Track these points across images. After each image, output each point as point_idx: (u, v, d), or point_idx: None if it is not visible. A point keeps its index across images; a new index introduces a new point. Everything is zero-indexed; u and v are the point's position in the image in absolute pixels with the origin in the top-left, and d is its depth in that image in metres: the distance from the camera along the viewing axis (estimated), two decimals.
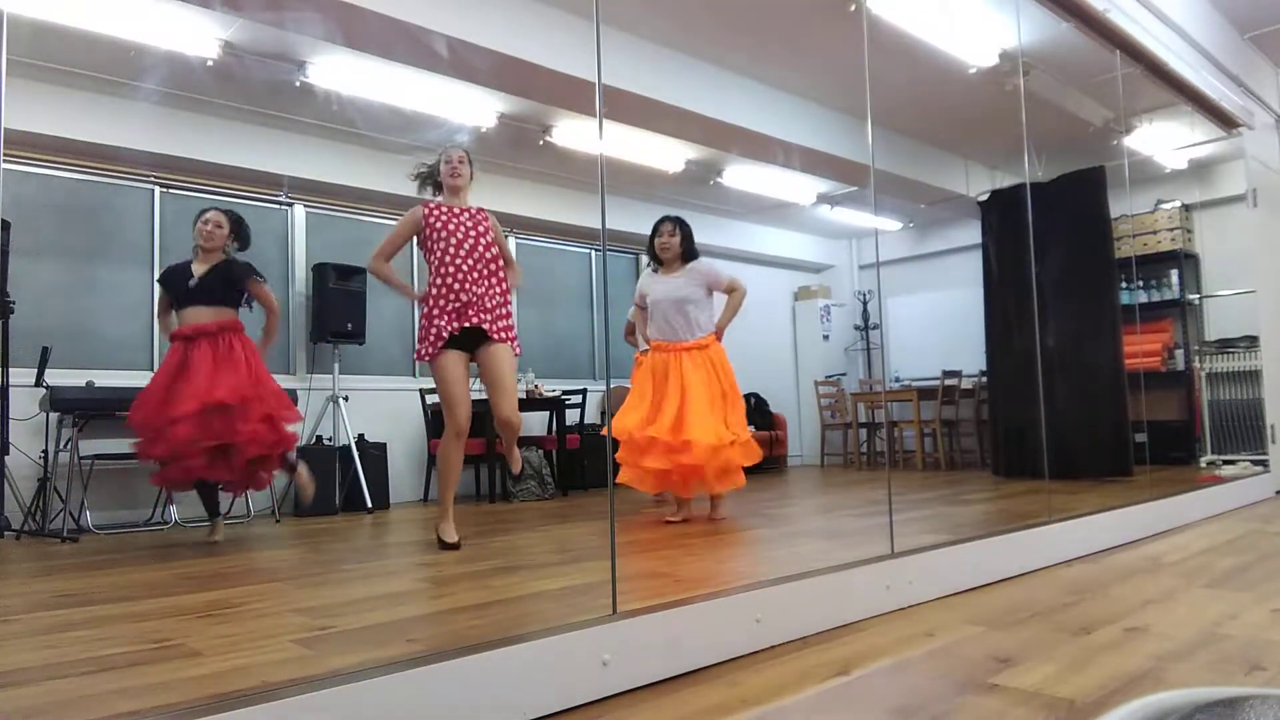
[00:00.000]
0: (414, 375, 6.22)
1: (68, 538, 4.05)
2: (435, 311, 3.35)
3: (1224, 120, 5.35)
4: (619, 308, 4.28)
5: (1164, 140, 6.12)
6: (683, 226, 4.29)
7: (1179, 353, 6.94)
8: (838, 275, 9.48)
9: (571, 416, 6.41)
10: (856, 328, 9.21)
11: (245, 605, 2.37)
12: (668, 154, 6.10)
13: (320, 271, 5.52)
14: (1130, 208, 6.82)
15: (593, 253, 7.26)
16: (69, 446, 4.40)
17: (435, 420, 5.86)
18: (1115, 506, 3.55)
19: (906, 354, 8.87)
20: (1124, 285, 6.38)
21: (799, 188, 7.12)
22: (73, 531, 4.23)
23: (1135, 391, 5.83)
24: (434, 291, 3.36)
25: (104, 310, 4.95)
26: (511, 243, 3.64)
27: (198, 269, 3.82)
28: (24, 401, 4.39)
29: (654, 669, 1.74)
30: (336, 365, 5.56)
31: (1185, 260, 6.99)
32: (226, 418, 3.54)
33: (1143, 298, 7.04)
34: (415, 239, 3.46)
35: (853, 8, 3.93)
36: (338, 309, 5.49)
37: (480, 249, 3.39)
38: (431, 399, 5.90)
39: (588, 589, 2.40)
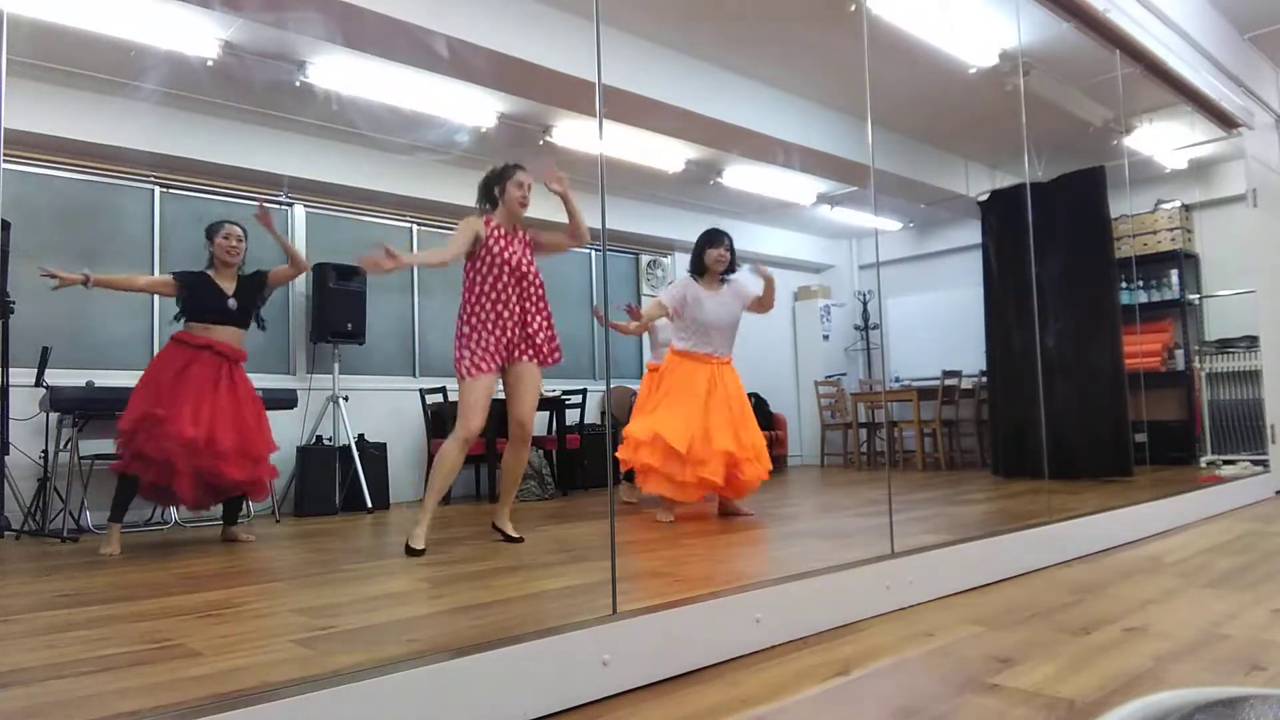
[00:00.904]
0: (414, 375, 6.22)
1: (68, 538, 4.05)
2: (482, 334, 3.34)
3: (1224, 120, 5.35)
4: (618, 316, 4.28)
5: (1164, 140, 6.12)
6: (732, 243, 4.31)
7: (1179, 353, 6.94)
8: (838, 275, 9.49)
9: (572, 416, 6.42)
10: (856, 328, 9.21)
11: (245, 605, 2.37)
12: (668, 154, 6.10)
13: (320, 271, 5.52)
14: (1130, 208, 6.82)
15: (593, 253, 7.26)
16: (69, 446, 4.40)
17: (435, 420, 5.87)
18: (1115, 506, 3.55)
19: (906, 354, 8.87)
20: (1124, 285, 6.39)
21: (799, 188, 7.12)
22: (73, 531, 4.23)
23: (1135, 391, 5.83)
24: (481, 313, 3.35)
25: (104, 310, 4.95)
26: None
27: (225, 285, 3.83)
28: (24, 401, 4.39)
29: (654, 669, 1.74)
30: (336, 365, 5.56)
31: (1185, 260, 6.99)
32: (217, 457, 3.57)
33: (1143, 298, 7.04)
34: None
35: (853, 8, 3.93)
36: (338, 309, 5.49)
37: (530, 276, 3.44)
38: (432, 399, 5.90)
39: (588, 589, 2.40)
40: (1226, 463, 6.11)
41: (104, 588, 2.74)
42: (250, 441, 3.69)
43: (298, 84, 4.57)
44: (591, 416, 6.76)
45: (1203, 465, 6.40)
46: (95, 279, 3.52)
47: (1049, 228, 5.62)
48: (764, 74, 5.35)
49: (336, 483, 5.26)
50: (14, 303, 4.02)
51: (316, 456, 5.22)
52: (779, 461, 8.10)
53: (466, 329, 3.36)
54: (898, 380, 8.77)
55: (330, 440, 5.46)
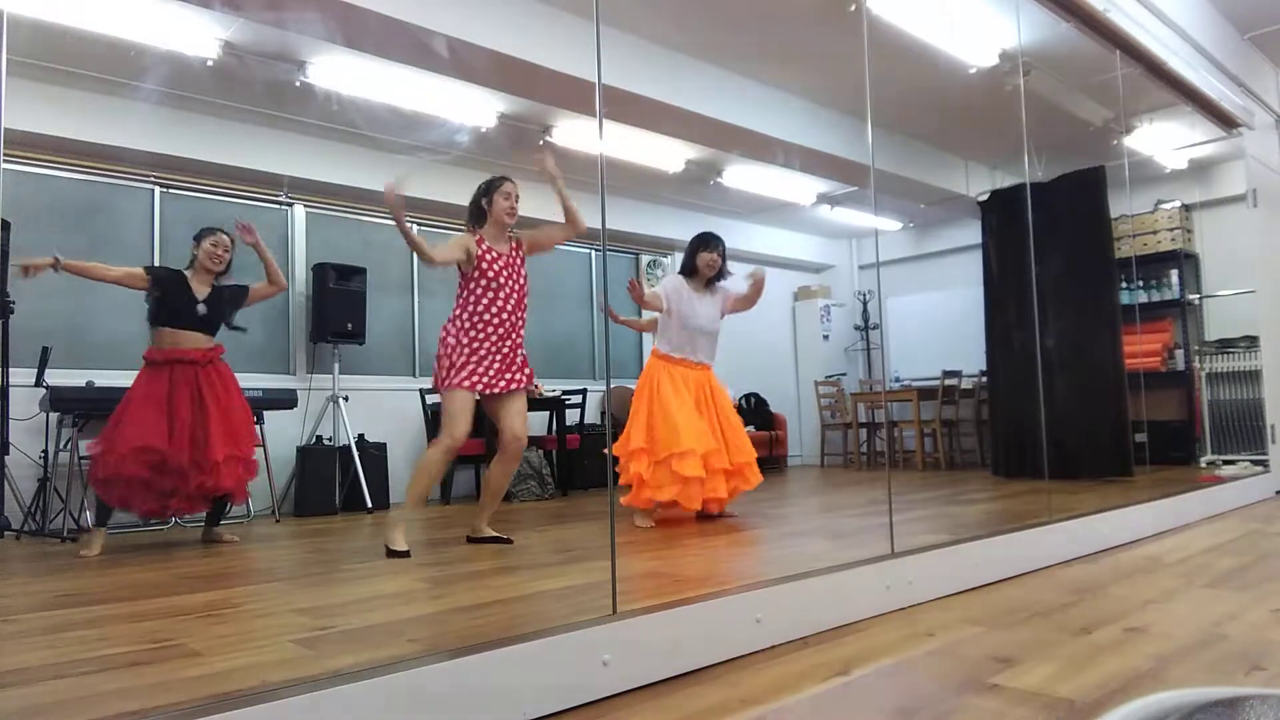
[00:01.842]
0: (414, 375, 6.22)
1: (68, 538, 4.05)
2: (468, 352, 3.36)
3: (1224, 120, 5.35)
4: (619, 307, 4.27)
5: (1164, 140, 6.12)
6: (725, 251, 4.29)
7: (1179, 353, 6.94)
8: (838, 275, 9.49)
9: (571, 416, 6.42)
10: (856, 328, 9.21)
11: (245, 605, 2.37)
12: (668, 154, 6.10)
13: (320, 271, 5.52)
14: (1130, 208, 6.82)
15: (593, 253, 7.26)
16: (69, 446, 4.40)
17: (435, 420, 5.86)
18: (1115, 506, 3.55)
19: (906, 354, 8.87)
20: (1124, 285, 6.39)
21: (799, 188, 7.12)
22: (73, 531, 4.23)
23: (1135, 391, 5.83)
24: (468, 329, 3.38)
25: (104, 310, 4.95)
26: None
27: (199, 289, 3.80)
28: (24, 401, 4.39)
29: (654, 669, 1.74)
30: (336, 365, 5.56)
31: (1185, 260, 6.99)
32: (184, 473, 3.57)
33: (1143, 298, 7.04)
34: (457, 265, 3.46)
35: (853, 8, 3.93)
36: (338, 309, 5.49)
37: (518, 294, 3.47)
38: (432, 399, 5.90)
39: (588, 589, 2.40)
40: (1226, 463, 6.11)
41: (104, 588, 2.74)
42: (228, 445, 3.64)
43: (298, 84, 4.57)
44: (591, 416, 6.76)
45: (1203, 465, 6.40)
46: (65, 263, 3.47)
47: (1049, 228, 5.62)
48: (764, 74, 5.35)
49: (336, 483, 5.26)
50: (14, 303, 4.02)
51: (316, 456, 5.22)
52: (779, 461, 8.11)
53: (453, 341, 3.37)
54: (898, 380, 8.77)
55: (330, 440, 5.46)
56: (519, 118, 5.32)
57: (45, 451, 4.41)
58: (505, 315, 3.42)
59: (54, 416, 4.45)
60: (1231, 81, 5.23)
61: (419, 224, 6.32)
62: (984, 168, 7.16)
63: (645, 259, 7.82)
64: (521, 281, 3.50)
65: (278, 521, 4.88)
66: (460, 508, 5.33)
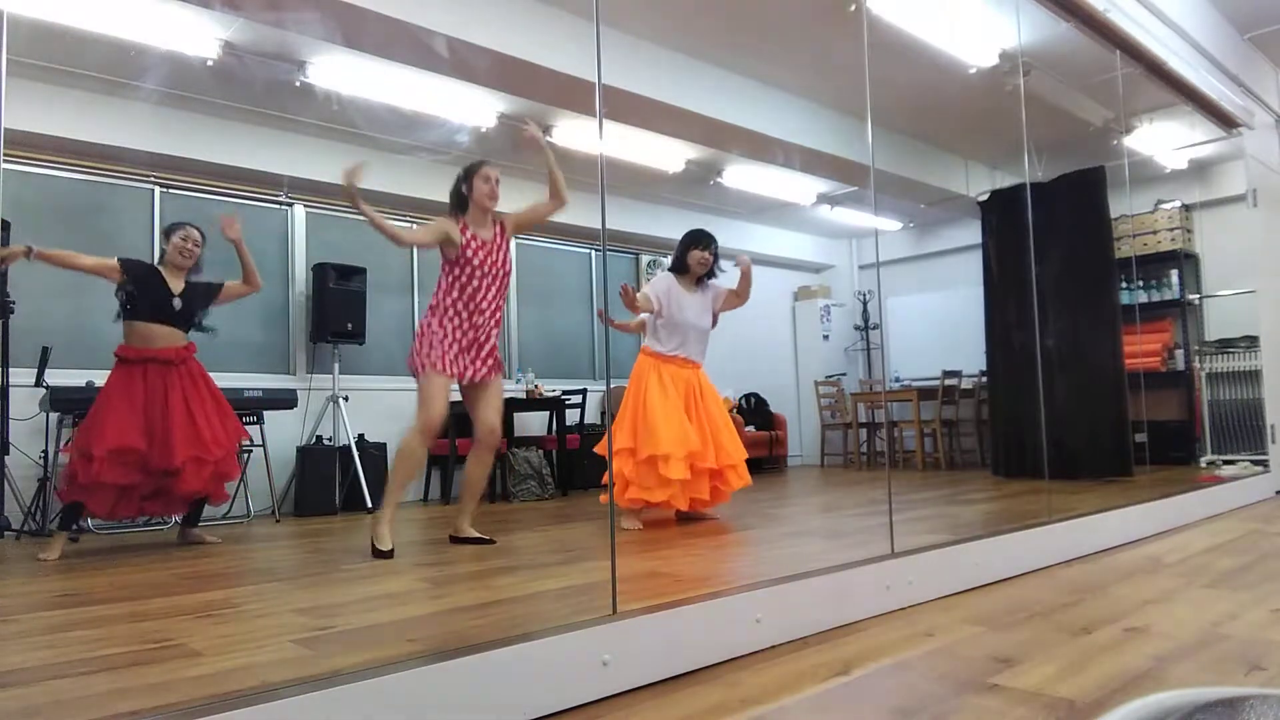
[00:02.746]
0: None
1: (69, 538, 4.04)
2: (448, 340, 3.39)
3: (1224, 120, 5.35)
4: (619, 308, 4.26)
5: (1164, 140, 6.12)
6: (718, 250, 4.26)
7: (1179, 353, 6.94)
8: (838, 275, 9.49)
9: (571, 416, 6.41)
10: (856, 328, 9.21)
11: (245, 605, 2.37)
12: (668, 154, 6.10)
13: (320, 271, 5.52)
14: (1130, 208, 6.82)
15: (593, 253, 7.26)
16: (69, 446, 4.40)
17: None
18: (1115, 506, 3.55)
19: (906, 354, 8.87)
20: (1124, 285, 6.39)
21: (799, 188, 7.12)
22: (73, 532, 4.23)
23: (1135, 391, 5.83)
24: (451, 315, 3.41)
25: (104, 310, 4.92)
26: (511, 244, 3.63)
27: (174, 284, 3.77)
28: (24, 401, 4.39)
29: (654, 669, 1.74)
30: (336, 365, 5.56)
31: (1185, 260, 7.00)
32: (157, 473, 3.58)
33: (1143, 298, 7.04)
34: (439, 248, 3.45)
35: (853, 8, 3.93)
36: (338, 309, 5.49)
37: (501, 281, 3.49)
38: None
39: (588, 589, 2.40)
40: (1226, 463, 6.11)
41: (104, 588, 2.74)
42: (190, 448, 3.59)
43: (298, 84, 4.57)
44: (591, 416, 6.76)
45: (1203, 465, 6.40)
46: (38, 251, 3.42)
47: (1049, 228, 5.62)
48: (764, 74, 5.35)
49: (336, 483, 5.25)
50: (14, 303, 4.01)
51: (316, 456, 5.22)
52: (779, 461, 8.11)
53: (434, 327, 3.40)
54: (898, 380, 8.77)
55: (330, 440, 5.46)
56: (519, 118, 5.31)
57: (45, 451, 4.41)
58: (487, 303, 3.44)
59: (54, 416, 4.45)
60: (1231, 81, 5.23)
61: (418, 224, 6.32)
62: (984, 168, 7.16)
63: (645, 259, 7.82)
64: (506, 269, 3.51)
65: (278, 521, 4.87)
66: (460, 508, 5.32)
